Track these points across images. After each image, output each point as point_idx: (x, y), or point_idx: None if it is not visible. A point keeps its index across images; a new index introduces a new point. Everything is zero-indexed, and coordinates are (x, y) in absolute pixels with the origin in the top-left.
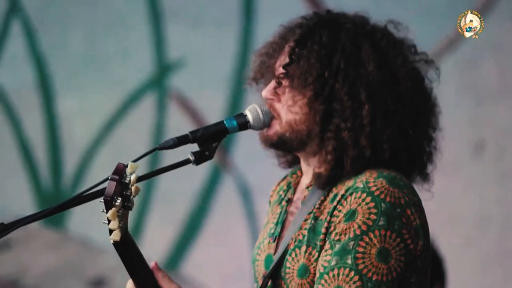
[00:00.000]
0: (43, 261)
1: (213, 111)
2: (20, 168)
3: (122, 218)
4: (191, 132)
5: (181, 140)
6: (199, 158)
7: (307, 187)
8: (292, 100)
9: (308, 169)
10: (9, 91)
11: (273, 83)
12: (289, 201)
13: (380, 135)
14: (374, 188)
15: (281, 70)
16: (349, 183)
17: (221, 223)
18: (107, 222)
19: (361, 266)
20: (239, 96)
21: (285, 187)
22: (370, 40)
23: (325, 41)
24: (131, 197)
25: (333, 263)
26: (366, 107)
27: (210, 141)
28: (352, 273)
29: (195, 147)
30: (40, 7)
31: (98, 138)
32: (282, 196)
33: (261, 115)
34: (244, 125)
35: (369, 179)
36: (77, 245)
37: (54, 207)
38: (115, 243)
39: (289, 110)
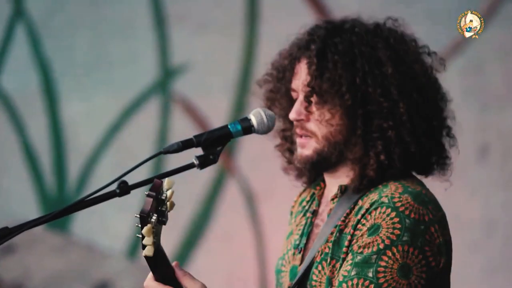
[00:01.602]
0: (47, 265)
1: (218, 116)
2: (25, 172)
3: (156, 234)
4: (195, 136)
5: (186, 144)
6: (203, 162)
7: (332, 199)
8: (329, 113)
9: (334, 181)
10: (13, 95)
11: (298, 104)
12: (315, 212)
13: (419, 129)
14: (399, 204)
15: (306, 88)
16: (374, 196)
17: (225, 227)
18: (140, 236)
19: (381, 280)
20: (243, 100)
21: (308, 198)
22: (381, 39)
23: (342, 49)
24: (166, 212)
25: (353, 273)
26: (401, 105)
27: (215, 145)
28: (372, 286)
29: (199, 151)
30: (45, 11)
31: (102, 142)
32: (306, 208)
33: (265, 119)
34: (248, 129)
35: (395, 194)
36: (82, 249)
37: (58, 211)
38: (147, 258)
39: (326, 124)
